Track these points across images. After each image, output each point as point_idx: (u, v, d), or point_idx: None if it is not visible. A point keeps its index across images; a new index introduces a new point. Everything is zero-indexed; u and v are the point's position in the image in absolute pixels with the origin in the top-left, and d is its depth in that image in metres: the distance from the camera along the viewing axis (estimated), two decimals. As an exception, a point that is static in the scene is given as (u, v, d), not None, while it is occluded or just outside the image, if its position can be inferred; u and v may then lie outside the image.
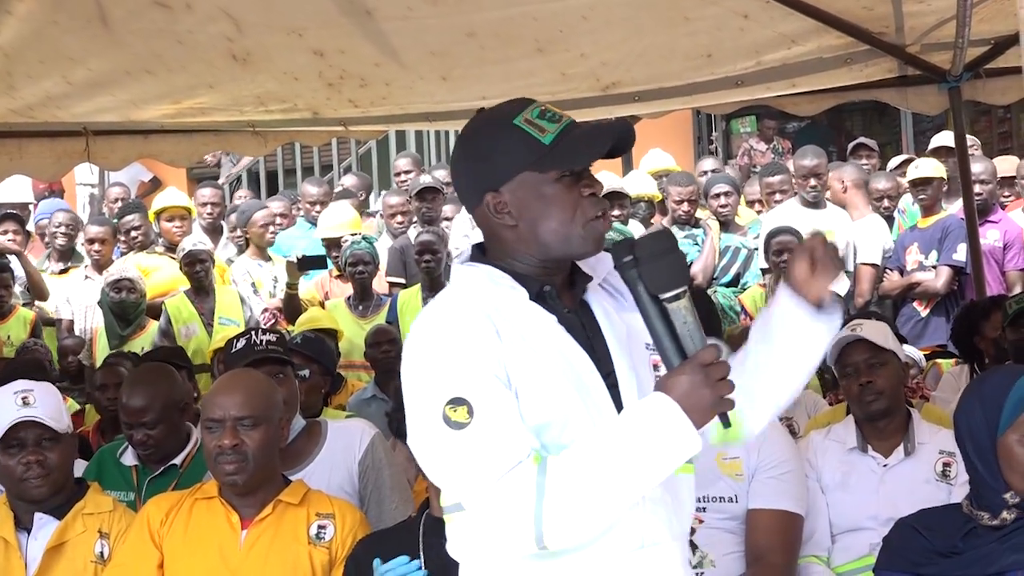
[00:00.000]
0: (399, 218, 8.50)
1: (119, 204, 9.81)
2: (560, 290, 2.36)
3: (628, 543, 2.28)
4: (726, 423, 2.26)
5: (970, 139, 9.40)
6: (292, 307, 7.48)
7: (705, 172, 9.29)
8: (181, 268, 7.56)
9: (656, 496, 2.30)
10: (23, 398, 3.56)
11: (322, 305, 7.70)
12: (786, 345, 2.37)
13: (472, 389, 2.20)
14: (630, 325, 2.36)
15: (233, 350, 4.04)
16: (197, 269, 7.48)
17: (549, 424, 2.24)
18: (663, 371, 2.32)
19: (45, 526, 3.56)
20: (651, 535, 2.30)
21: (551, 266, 2.35)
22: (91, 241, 8.28)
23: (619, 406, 2.29)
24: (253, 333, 4.08)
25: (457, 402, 2.20)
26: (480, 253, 2.40)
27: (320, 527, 3.37)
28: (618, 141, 2.34)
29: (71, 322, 7.93)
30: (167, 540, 3.36)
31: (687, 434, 2.18)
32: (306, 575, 3.32)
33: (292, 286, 7.49)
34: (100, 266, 8.18)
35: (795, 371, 2.41)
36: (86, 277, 8.18)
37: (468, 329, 2.24)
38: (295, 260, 7.48)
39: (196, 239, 7.82)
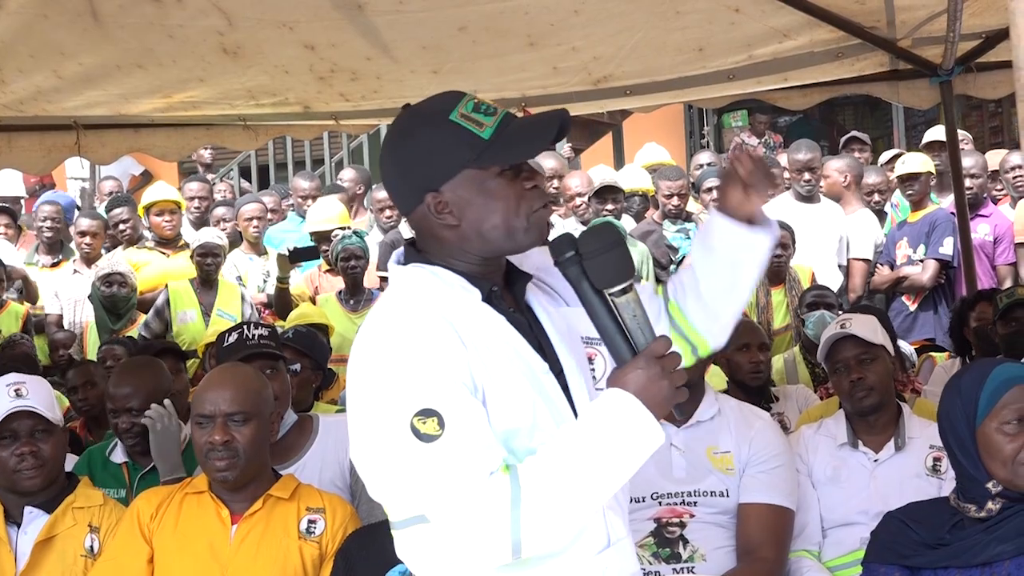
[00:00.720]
0: (388, 212, 8.48)
1: (108, 199, 9.80)
2: (502, 291, 2.30)
3: (597, 543, 2.26)
4: (680, 414, 2.24)
5: (961, 134, 9.42)
6: (283, 301, 7.45)
7: (701, 166, 9.29)
8: (193, 257, 7.55)
9: (616, 493, 2.27)
10: (16, 390, 3.56)
11: (313, 300, 7.68)
12: (728, 259, 2.39)
13: (442, 400, 2.12)
14: (568, 321, 2.32)
15: (225, 344, 4.03)
16: (209, 262, 7.48)
17: (518, 430, 2.18)
18: (599, 364, 2.31)
19: (35, 520, 3.56)
20: (615, 532, 2.29)
21: (492, 264, 2.29)
22: (82, 234, 8.26)
23: (571, 403, 2.26)
24: (245, 327, 4.06)
25: (426, 413, 2.11)
26: (415, 252, 2.32)
27: (311, 521, 3.36)
28: (556, 135, 2.28)
29: (60, 316, 7.92)
30: (157, 535, 3.36)
31: (650, 428, 2.15)
32: (296, 569, 3.31)
33: (283, 280, 7.47)
34: (89, 260, 8.16)
35: (741, 280, 2.42)
36: (75, 271, 8.17)
37: (432, 335, 2.15)
38: (286, 253, 7.46)
39: (215, 233, 7.84)
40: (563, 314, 2.33)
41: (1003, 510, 2.86)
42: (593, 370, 2.32)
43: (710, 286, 2.41)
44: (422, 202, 2.25)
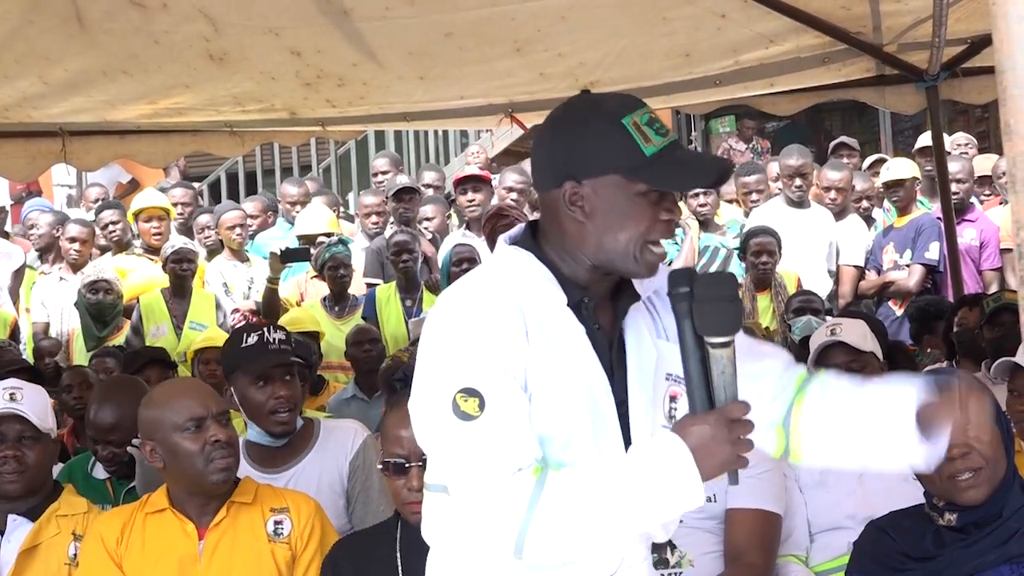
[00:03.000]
0: (374, 218, 8.48)
1: (98, 204, 9.79)
2: (600, 301, 2.27)
3: (608, 565, 2.26)
4: (734, 481, 2.18)
5: (966, 137, 9.47)
6: (271, 302, 7.43)
7: None
8: (166, 265, 7.52)
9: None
10: (11, 394, 3.56)
11: (298, 306, 7.68)
12: (877, 439, 2.31)
13: (488, 383, 2.13)
14: (660, 353, 2.29)
15: (243, 345, 3.85)
16: (184, 268, 7.44)
17: (553, 438, 2.18)
18: (682, 404, 2.26)
19: (19, 528, 3.54)
20: (630, 557, 2.29)
21: (599, 276, 2.26)
22: (71, 240, 8.24)
23: (626, 435, 2.24)
24: (265, 330, 3.90)
25: (470, 392, 2.12)
26: (531, 235, 2.30)
27: (276, 523, 3.32)
28: (716, 180, 2.28)
29: (47, 324, 7.89)
30: (126, 560, 3.28)
31: (692, 486, 2.10)
32: (271, 573, 3.27)
33: (273, 280, 7.45)
34: (76, 267, 8.13)
35: (863, 457, 2.35)
36: (61, 278, 8.14)
37: (497, 321, 2.16)
38: (278, 252, 7.45)
39: (185, 239, 7.83)
40: (657, 345, 2.30)
41: (960, 519, 2.86)
42: (675, 408, 2.29)
43: (840, 428, 2.34)
44: (560, 187, 2.22)
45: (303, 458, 3.89)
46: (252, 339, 3.81)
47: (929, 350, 6.16)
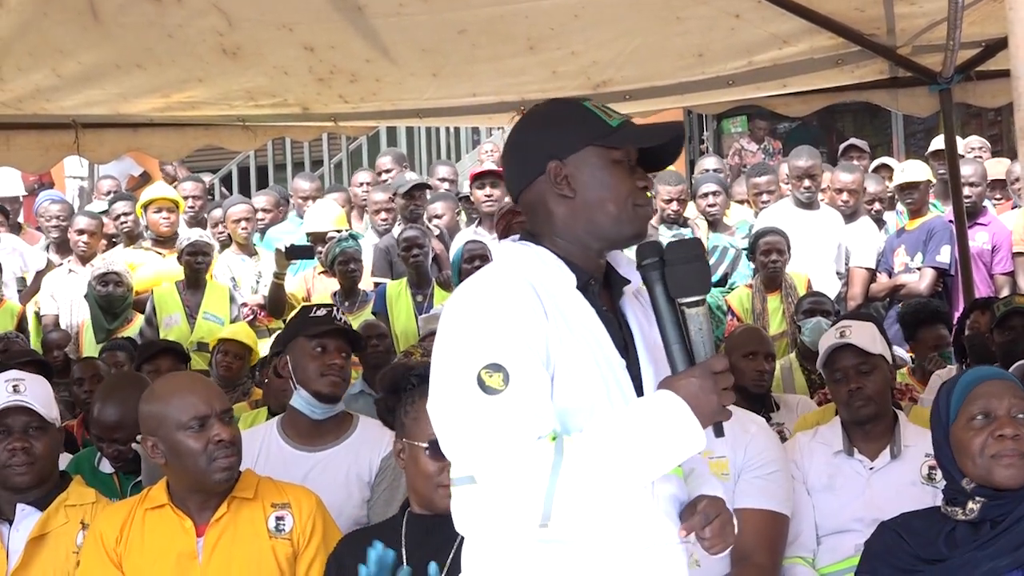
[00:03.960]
0: (383, 215, 8.48)
1: (111, 196, 9.83)
2: (600, 288, 2.42)
3: (640, 540, 2.33)
4: (719, 432, 2.32)
5: (979, 140, 9.45)
6: (277, 298, 7.45)
7: (706, 170, 9.25)
8: (181, 257, 7.55)
9: (667, 494, 2.36)
10: (14, 386, 3.56)
11: (307, 301, 7.68)
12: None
13: (512, 358, 2.23)
14: (659, 338, 2.39)
15: (312, 315, 4.05)
16: (199, 260, 7.49)
17: (577, 410, 2.28)
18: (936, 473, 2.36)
19: (27, 517, 3.54)
20: (661, 535, 2.35)
21: (593, 252, 2.40)
22: (80, 232, 8.27)
23: None
24: (334, 307, 4.14)
25: (494, 368, 2.22)
26: (528, 238, 2.44)
27: (278, 518, 3.30)
28: (672, 142, 2.43)
29: (56, 316, 7.91)
30: (126, 559, 3.26)
31: (693, 430, 2.25)
32: (271, 570, 3.26)
33: (279, 276, 7.47)
34: (85, 259, 8.16)
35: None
36: (70, 271, 8.17)
37: (516, 300, 2.27)
38: (283, 249, 7.47)
39: (201, 232, 7.88)
40: (655, 331, 2.41)
41: (984, 509, 2.87)
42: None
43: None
44: (544, 171, 2.39)
45: (337, 444, 3.97)
46: (321, 312, 4.04)
47: (932, 354, 6.15)
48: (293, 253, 7.49)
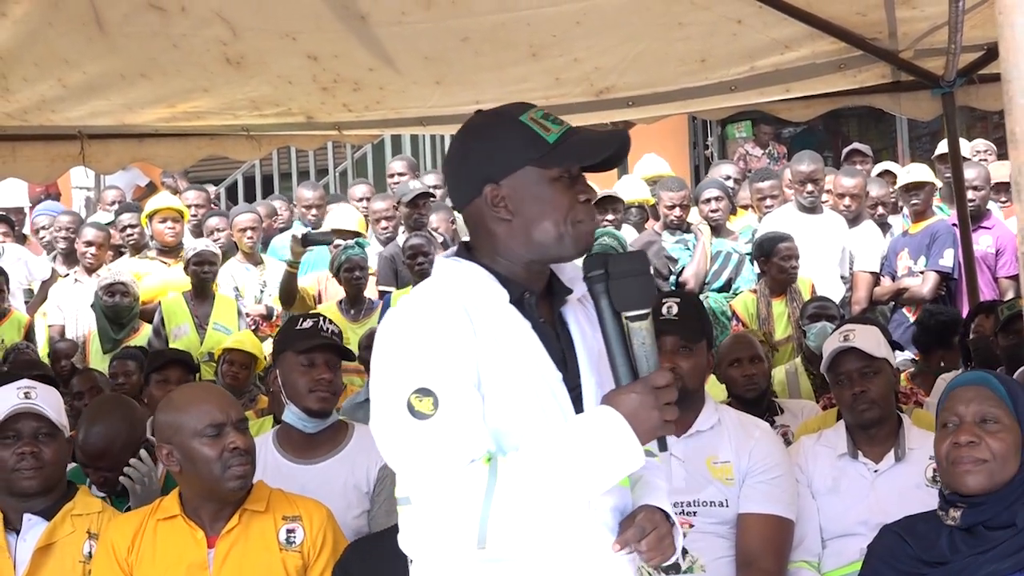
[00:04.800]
0: (384, 223, 8.47)
1: (115, 207, 9.85)
2: (539, 299, 2.38)
3: (581, 553, 2.30)
4: (663, 447, 2.30)
5: (984, 143, 9.45)
6: (289, 287, 7.44)
7: (727, 176, 9.19)
8: (187, 267, 7.56)
9: (607, 506, 2.33)
10: (25, 392, 3.58)
11: (317, 301, 7.72)
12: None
13: (441, 382, 2.22)
14: (602, 345, 2.37)
15: (298, 328, 3.98)
16: (205, 270, 7.50)
17: (511, 429, 2.26)
18: None
19: (34, 527, 3.55)
20: (601, 547, 2.32)
21: (535, 268, 2.37)
22: (88, 244, 8.29)
23: None
24: (321, 318, 4.05)
25: (424, 392, 2.21)
26: (466, 251, 2.42)
27: (289, 531, 3.32)
28: (616, 151, 2.37)
29: (62, 327, 7.93)
30: (137, 568, 3.28)
31: (632, 449, 2.22)
32: None
33: (293, 265, 7.48)
34: (91, 270, 8.18)
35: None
36: (76, 281, 8.19)
37: (446, 322, 2.25)
38: (299, 236, 7.47)
39: (207, 242, 7.89)
40: (598, 337, 2.38)
41: (965, 516, 2.90)
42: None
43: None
44: (480, 194, 2.34)
45: (334, 455, 3.95)
46: (307, 323, 3.97)
47: (943, 363, 6.14)
48: (310, 240, 7.48)
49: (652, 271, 2.37)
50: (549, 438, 2.23)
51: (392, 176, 9.78)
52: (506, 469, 2.19)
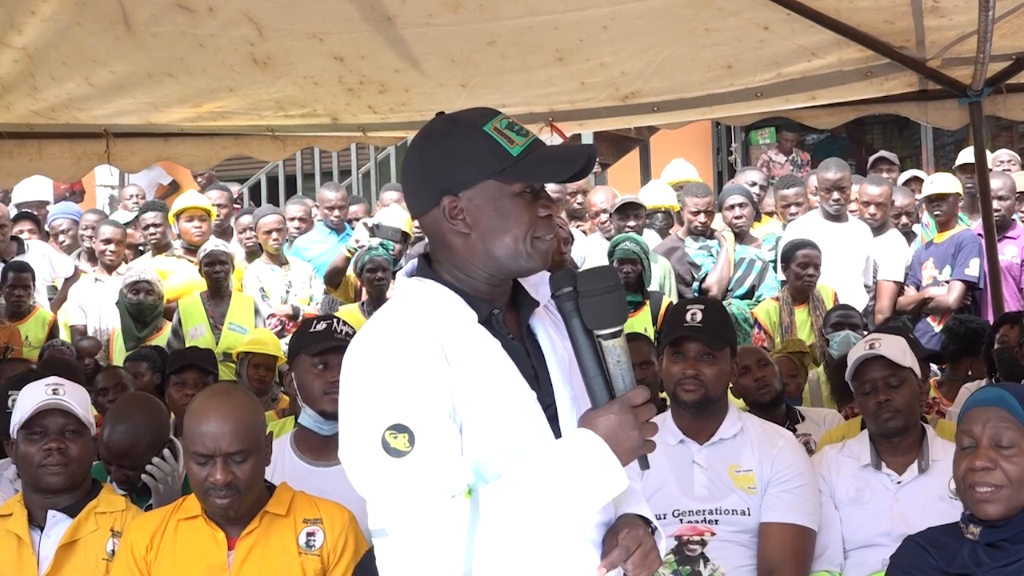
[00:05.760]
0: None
1: (135, 204, 9.89)
2: (505, 312, 2.31)
3: (567, 571, 2.25)
4: (644, 465, 2.24)
5: (1008, 154, 9.40)
6: (338, 269, 7.59)
7: (754, 183, 9.16)
8: (201, 269, 7.59)
9: (591, 522, 2.28)
10: (53, 389, 3.59)
11: (357, 297, 7.76)
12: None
13: (415, 418, 2.14)
14: (572, 353, 2.31)
15: (311, 330, 3.95)
16: (217, 270, 7.52)
17: (489, 458, 2.19)
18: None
19: (58, 524, 3.56)
20: (588, 564, 2.27)
21: (496, 282, 2.30)
22: (107, 242, 8.32)
23: (559, 437, 2.25)
24: (334, 320, 4.01)
25: (399, 429, 2.13)
26: (427, 264, 2.34)
27: (309, 534, 3.30)
28: (581, 168, 2.29)
29: (85, 326, 7.96)
30: (156, 566, 3.27)
31: (613, 472, 2.16)
32: None
33: (352, 250, 7.52)
34: (111, 268, 8.22)
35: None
36: (96, 279, 8.22)
37: (418, 352, 2.17)
38: (369, 224, 7.53)
39: (218, 241, 7.91)
40: (567, 345, 2.32)
41: (983, 535, 2.87)
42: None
43: None
44: (438, 205, 2.26)
45: None
46: (320, 326, 3.93)
47: (970, 372, 6.12)
48: (378, 231, 7.53)
49: (623, 288, 2.25)
50: (529, 467, 2.16)
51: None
52: (488, 502, 2.13)
